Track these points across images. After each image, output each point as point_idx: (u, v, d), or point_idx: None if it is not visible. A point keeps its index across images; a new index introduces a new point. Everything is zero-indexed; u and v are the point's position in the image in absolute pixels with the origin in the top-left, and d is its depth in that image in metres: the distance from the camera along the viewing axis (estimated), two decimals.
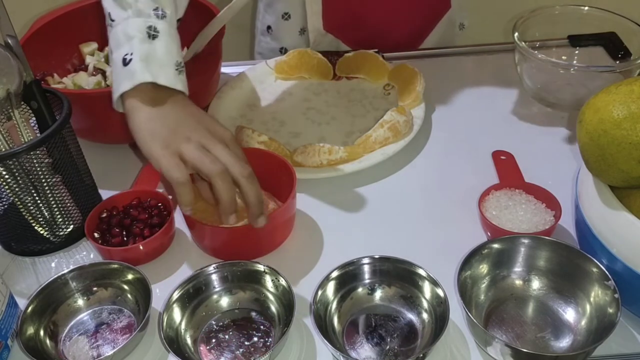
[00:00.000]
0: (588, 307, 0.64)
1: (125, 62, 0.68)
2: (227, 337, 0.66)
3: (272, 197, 0.77)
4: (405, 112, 0.88)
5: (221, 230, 0.71)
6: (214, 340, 0.66)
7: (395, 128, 0.86)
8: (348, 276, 0.68)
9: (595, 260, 0.64)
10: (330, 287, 0.67)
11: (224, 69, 1.05)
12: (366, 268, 0.68)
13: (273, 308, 0.68)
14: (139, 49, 0.68)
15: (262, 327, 0.67)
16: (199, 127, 0.67)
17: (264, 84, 1.03)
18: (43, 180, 0.72)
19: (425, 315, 0.66)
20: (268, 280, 0.68)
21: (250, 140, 0.85)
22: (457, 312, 0.66)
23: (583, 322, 0.64)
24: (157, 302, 0.68)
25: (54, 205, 0.75)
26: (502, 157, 0.84)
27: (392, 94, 0.99)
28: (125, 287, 0.70)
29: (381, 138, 0.86)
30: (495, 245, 0.68)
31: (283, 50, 1.13)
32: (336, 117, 0.95)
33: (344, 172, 0.83)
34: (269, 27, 1.13)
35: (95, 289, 0.71)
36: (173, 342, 0.63)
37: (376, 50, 1.04)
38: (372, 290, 0.68)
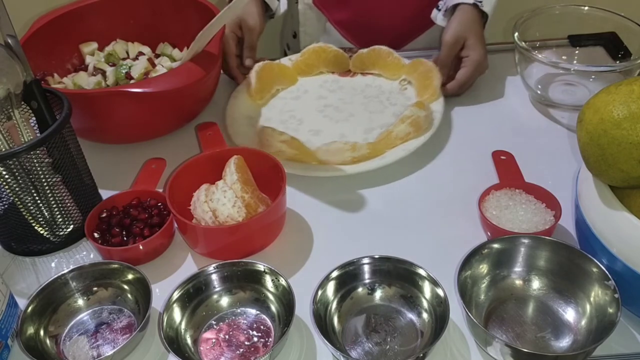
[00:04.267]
0: (588, 307, 0.64)
1: None
2: (227, 337, 0.66)
3: (267, 201, 0.77)
4: (425, 107, 0.89)
5: (212, 230, 0.72)
6: (214, 340, 0.66)
7: (417, 123, 0.86)
8: (348, 276, 0.68)
9: (595, 260, 0.64)
10: (330, 287, 0.67)
11: None
12: (366, 268, 0.68)
13: (273, 308, 0.68)
14: None
15: (262, 327, 0.67)
16: None
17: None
18: (43, 180, 0.72)
19: (425, 315, 0.66)
20: (268, 280, 0.68)
21: (273, 140, 0.85)
22: (457, 312, 0.66)
23: (583, 322, 0.64)
24: (157, 302, 0.68)
25: (54, 205, 0.75)
26: (502, 157, 0.84)
27: (409, 89, 0.99)
28: (125, 287, 0.70)
29: (402, 133, 0.86)
30: (495, 245, 0.68)
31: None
32: (354, 114, 0.95)
33: (345, 173, 0.83)
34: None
35: (95, 289, 0.71)
36: (173, 342, 0.63)
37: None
38: (372, 290, 0.68)
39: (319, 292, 0.65)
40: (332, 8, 1.12)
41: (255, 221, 0.71)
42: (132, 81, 0.93)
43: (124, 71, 0.94)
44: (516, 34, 0.93)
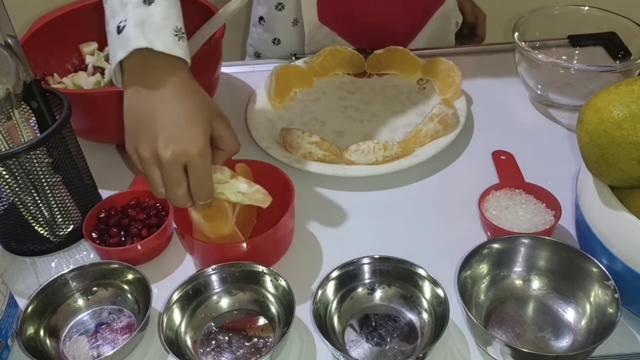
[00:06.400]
0: (588, 307, 0.64)
1: (120, 30, 0.62)
2: (227, 338, 0.66)
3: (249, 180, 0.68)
4: (452, 105, 0.89)
5: (209, 247, 0.70)
6: (214, 342, 0.66)
7: (445, 121, 0.87)
8: (348, 276, 0.68)
9: (595, 260, 0.64)
10: (330, 287, 0.67)
11: (224, 69, 1.05)
12: (366, 268, 0.68)
13: (273, 309, 0.68)
14: (134, 14, 0.63)
15: (262, 327, 0.67)
16: (170, 132, 0.61)
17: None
18: (43, 180, 0.72)
19: (425, 315, 0.66)
20: (267, 281, 0.68)
21: (302, 141, 0.84)
22: (457, 312, 0.66)
23: (583, 322, 0.64)
24: (157, 302, 0.68)
25: (54, 205, 0.75)
26: (502, 157, 0.84)
27: (428, 88, 0.99)
28: (125, 287, 0.70)
29: (432, 131, 0.86)
30: (495, 245, 0.68)
31: (276, 42, 1.13)
32: (376, 114, 0.95)
33: (377, 172, 0.83)
34: (261, 18, 1.13)
35: (95, 289, 0.71)
36: (173, 343, 0.63)
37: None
38: (372, 290, 0.68)
39: (319, 292, 0.65)
40: (339, 22, 1.10)
41: (260, 239, 0.69)
42: None
43: None
44: (516, 34, 0.93)
